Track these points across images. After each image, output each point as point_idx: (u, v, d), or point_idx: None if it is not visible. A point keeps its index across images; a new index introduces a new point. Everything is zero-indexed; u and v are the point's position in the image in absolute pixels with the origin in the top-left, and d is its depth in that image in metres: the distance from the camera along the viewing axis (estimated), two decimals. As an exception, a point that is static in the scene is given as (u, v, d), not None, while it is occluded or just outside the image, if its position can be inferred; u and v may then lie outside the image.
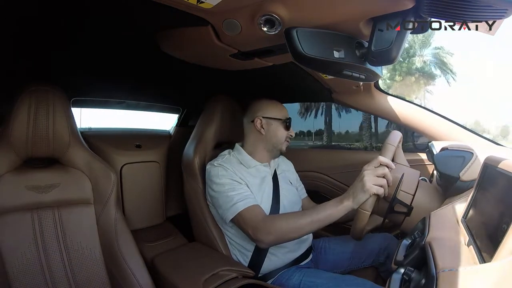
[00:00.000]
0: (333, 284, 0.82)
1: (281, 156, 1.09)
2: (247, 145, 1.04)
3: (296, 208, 1.03)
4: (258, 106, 1.04)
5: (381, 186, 0.72)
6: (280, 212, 0.96)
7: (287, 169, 1.13)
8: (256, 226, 0.82)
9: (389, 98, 1.18)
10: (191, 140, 1.15)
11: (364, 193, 0.71)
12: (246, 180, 0.94)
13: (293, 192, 1.06)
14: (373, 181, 0.71)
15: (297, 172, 1.19)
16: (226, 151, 1.04)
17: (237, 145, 1.05)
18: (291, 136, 1.04)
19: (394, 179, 0.79)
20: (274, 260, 0.93)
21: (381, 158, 0.74)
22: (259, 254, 0.93)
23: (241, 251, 0.96)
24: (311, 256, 1.03)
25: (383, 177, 0.73)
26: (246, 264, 0.95)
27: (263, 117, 1.01)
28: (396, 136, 0.82)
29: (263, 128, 1.01)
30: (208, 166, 0.98)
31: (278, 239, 0.81)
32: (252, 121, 1.02)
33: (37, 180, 0.81)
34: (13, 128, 0.77)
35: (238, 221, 0.87)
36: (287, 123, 1.02)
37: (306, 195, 1.17)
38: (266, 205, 0.94)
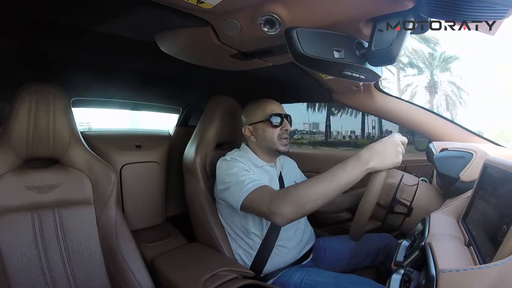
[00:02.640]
0: (334, 282, 0.82)
1: (282, 156, 1.08)
2: (250, 146, 1.04)
3: None
4: (244, 114, 1.05)
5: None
6: None
7: (290, 170, 1.13)
8: (269, 199, 0.77)
9: (389, 98, 1.17)
10: (192, 140, 1.15)
11: (394, 163, 0.72)
12: (257, 174, 0.93)
13: None
14: (402, 153, 0.74)
15: None
16: (234, 150, 1.04)
17: (243, 145, 1.05)
18: (287, 131, 0.99)
19: (393, 179, 0.79)
20: (276, 260, 0.93)
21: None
22: (263, 253, 0.93)
23: (245, 249, 0.96)
24: (311, 255, 1.03)
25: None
26: (250, 264, 0.95)
27: (248, 125, 1.02)
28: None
29: (253, 135, 1.02)
30: (219, 162, 0.97)
31: (295, 208, 0.74)
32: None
33: (38, 180, 0.81)
34: (13, 128, 0.77)
35: (251, 202, 0.81)
36: (272, 121, 0.98)
37: None
38: None
